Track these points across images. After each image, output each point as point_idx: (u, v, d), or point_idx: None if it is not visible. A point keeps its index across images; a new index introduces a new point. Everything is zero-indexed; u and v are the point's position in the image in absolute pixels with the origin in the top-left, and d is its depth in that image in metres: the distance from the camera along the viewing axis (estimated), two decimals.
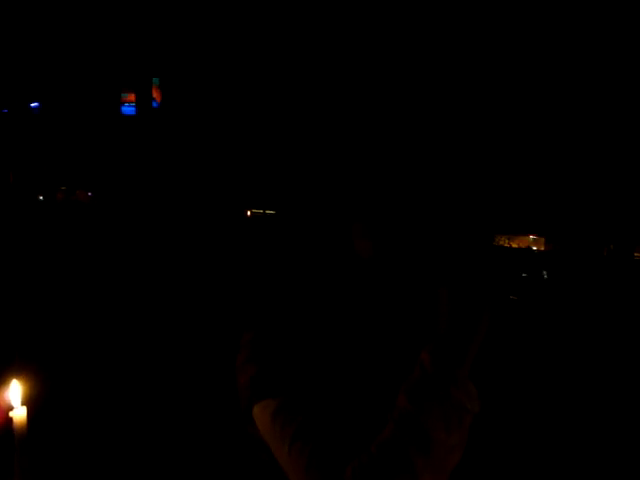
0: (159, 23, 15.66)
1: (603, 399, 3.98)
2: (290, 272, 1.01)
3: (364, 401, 0.90)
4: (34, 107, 16.90)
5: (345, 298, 0.96)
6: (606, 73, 12.13)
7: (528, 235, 12.88)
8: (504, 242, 12.37)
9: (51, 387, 2.89)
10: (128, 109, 17.78)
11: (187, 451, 2.78)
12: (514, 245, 12.57)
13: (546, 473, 2.80)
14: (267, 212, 15.90)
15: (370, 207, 0.95)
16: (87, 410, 3.07)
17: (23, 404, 1.05)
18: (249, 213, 15.16)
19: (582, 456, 3.06)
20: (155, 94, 17.56)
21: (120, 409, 3.21)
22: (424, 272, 0.93)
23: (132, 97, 17.67)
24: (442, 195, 0.96)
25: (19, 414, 1.04)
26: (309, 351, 0.92)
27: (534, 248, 12.84)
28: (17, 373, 1.11)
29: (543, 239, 12.90)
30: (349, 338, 0.94)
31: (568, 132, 12.53)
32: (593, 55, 12.06)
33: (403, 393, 0.84)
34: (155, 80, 17.39)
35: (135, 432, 2.94)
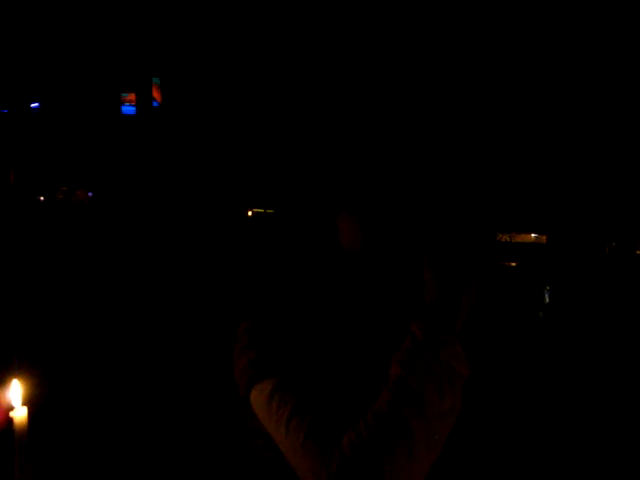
0: (159, 22, 15.67)
1: (604, 394, 3.99)
2: (284, 263, 1.02)
3: (358, 378, 0.92)
4: (34, 107, 16.92)
5: (337, 286, 0.97)
6: (606, 73, 12.14)
7: (530, 234, 12.87)
8: (505, 240, 12.36)
9: (52, 387, 2.89)
10: (128, 109, 17.80)
11: (188, 450, 2.77)
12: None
13: (541, 466, 2.80)
14: (268, 211, 15.90)
15: (360, 201, 0.95)
16: (88, 410, 3.06)
17: (23, 404, 1.05)
18: (250, 213, 15.15)
19: (579, 453, 3.06)
20: (155, 94, 17.57)
21: (121, 408, 3.21)
22: (413, 263, 0.94)
23: (132, 97, 17.69)
24: (434, 190, 0.97)
25: (19, 414, 1.04)
26: (305, 335, 0.93)
27: None
28: (17, 373, 1.11)
29: (545, 237, 12.89)
30: (342, 322, 0.96)
31: (569, 130, 12.53)
32: (594, 54, 12.06)
33: (395, 362, 0.86)
34: (155, 80, 17.40)
35: (136, 431, 2.94)
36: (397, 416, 0.81)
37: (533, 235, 12.91)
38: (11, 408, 1.04)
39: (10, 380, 1.06)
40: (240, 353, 0.95)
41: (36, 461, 1.06)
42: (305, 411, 0.86)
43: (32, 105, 16.80)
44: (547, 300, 7.78)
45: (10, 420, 1.03)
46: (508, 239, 12.58)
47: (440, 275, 0.87)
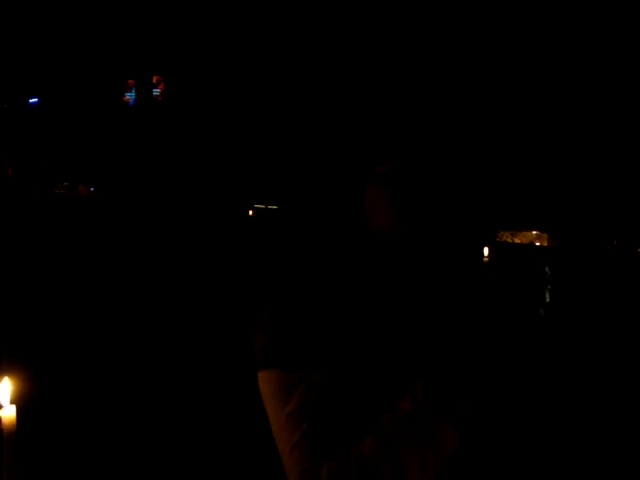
0: (160, 18, 15.64)
1: (605, 390, 3.97)
2: (307, 247, 0.96)
3: (366, 390, 0.89)
4: (32, 103, 16.91)
5: (361, 277, 0.91)
6: (606, 72, 12.11)
7: (531, 231, 12.85)
8: (507, 238, 12.35)
9: (41, 385, 2.88)
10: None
11: (178, 449, 2.76)
12: (517, 240, 12.54)
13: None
14: (270, 207, 15.91)
15: (396, 168, 0.85)
16: (77, 409, 3.05)
17: (12, 403, 1.03)
18: (251, 213, 15.11)
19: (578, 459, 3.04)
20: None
21: (110, 407, 3.20)
22: (445, 248, 0.87)
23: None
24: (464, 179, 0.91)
25: (8, 413, 1.02)
26: (321, 329, 0.90)
27: (537, 244, 12.82)
28: (6, 371, 1.10)
29: (546, 235, 12.88)
30: (363, 321, 0.90)
31: (572, 127, 12.51)
32: (594, 53, 12.04)
33: (389, 418, 0.84)
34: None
35: (125, 430, 2.93)
36: (375, 472, 0.81)
37: (534, 232, 12.92)
38: None
39: None
40: (258, 330, 0.93)
41: (25, 459, 1.05)
42: (300, 421, 0.84)
43: (30, 100, 16.79)
44: (548, 299, 7.79)
45: None
46: (510, 237, 12.57)
47: (462, 364, 0.85)
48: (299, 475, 0.83)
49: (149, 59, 16.89)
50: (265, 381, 0.89)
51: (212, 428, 2.92)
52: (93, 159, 16.47)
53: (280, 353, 0.88)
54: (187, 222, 12.42)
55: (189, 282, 7.10)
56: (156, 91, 17.75)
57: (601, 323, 6.17)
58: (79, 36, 16.03)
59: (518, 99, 12.05)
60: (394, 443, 0.82)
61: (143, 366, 3.96)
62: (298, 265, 0.93)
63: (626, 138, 12.15)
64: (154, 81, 17.75)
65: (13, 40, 15.51)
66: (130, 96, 17.90)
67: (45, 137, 16.55)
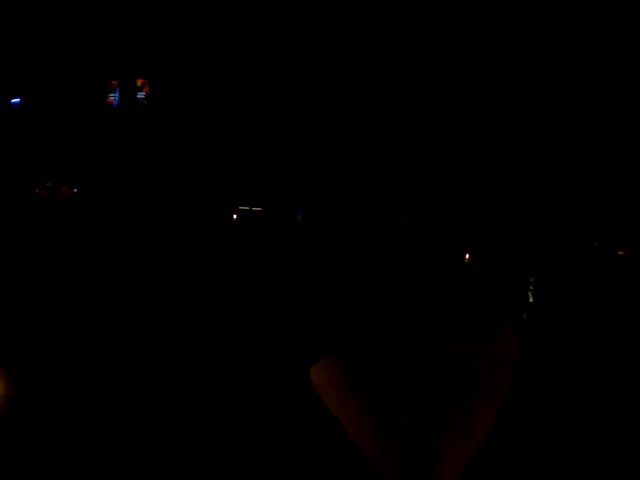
0: (146, 18, 15.57)
1: (589, 389, 4.02)
2: (342, 255, 1.05)
3: (406, 366, 0.96)
4: (14, 102, 16.74)
5: (391, 279, 0.99)
6: (591, 77, 12.24)
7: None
8: None
9: (18, 388, 2.86)
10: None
11: (162, 449, 2.75)
12: None
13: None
14: (254, 209, 15.88)
15: (421, 192, 0.96)
16: (54, 411, 3.03)
17: None
18: (235, 216, 15.08)
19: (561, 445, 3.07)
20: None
21: (88, 408, 3.18)
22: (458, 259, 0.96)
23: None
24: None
25: None
26: (367, 323, 0.98)
27: None
28: None
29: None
30: (393, 313, 0.98)
31: (553, 131, 12.63)
32: (574, 58, 12.16)
33: (454, 343, 0.90)
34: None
35: (104, 430, 2.91)
36: (455, 392, 0.86)
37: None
38: None
39: None
40: (305, 328, 1.00)
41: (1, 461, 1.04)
42: (361, 396, 0.92)
43: (12, 100, 16.61)
44: (531, 300, 7.86)
45: None
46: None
47: (503, 274, 0.93)
48: (381, 437, 0.87)
49: (133, 59, 16.80)
50: (323, 370, 0.97)
51: (186, 428, 2.92)
52: (76, 160, 16.33)
53: (336, 345, 0.97)
54: (172, 224, 12.37)
55: (174, 283, 7.08)
56: (141, 94, 17.63)
57: (583, 323, 6.24)
58: (62, 35, 15.90)
59: (499, 104, 12.15)
60: (465, 358, 0.88)
61: (118, 365, 3.95)
62: (342, 268, 1.02)
63: (607, 141, 12.29)
64: (139, 84, 17.62)
65: None
66: (114, 97, 17.76)
67: (27, 137, 16.38)
